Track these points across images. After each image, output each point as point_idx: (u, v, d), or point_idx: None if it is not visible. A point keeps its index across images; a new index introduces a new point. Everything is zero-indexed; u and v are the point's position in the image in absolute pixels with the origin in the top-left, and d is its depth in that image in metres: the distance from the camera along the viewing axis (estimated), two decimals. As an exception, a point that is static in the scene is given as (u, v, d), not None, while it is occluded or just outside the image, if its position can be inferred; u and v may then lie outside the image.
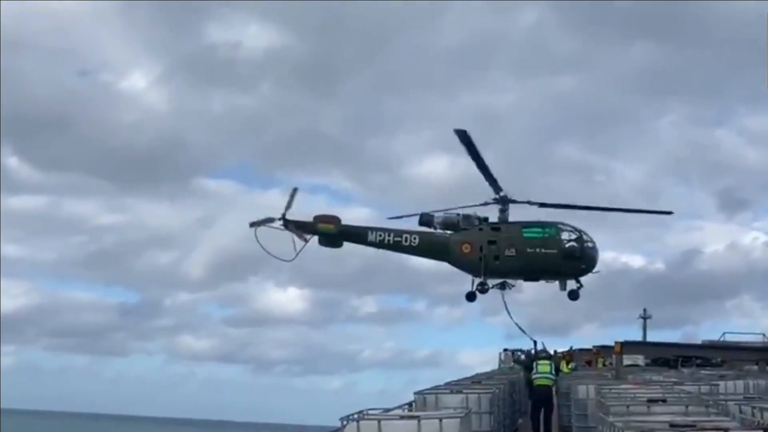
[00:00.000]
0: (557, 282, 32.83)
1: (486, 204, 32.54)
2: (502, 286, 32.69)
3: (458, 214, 32.49)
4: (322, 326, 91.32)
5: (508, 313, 33.33)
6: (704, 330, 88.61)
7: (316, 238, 32.69)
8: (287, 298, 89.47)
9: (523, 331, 34.21)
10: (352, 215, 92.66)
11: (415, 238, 32.46)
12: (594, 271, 32.42)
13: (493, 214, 32.74)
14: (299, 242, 32.22)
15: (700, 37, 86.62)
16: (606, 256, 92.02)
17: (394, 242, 32.51)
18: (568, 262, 31.57)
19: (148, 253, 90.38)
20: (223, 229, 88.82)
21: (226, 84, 79.02)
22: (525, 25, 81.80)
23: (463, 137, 29.51)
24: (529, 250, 31.49)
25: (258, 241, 31.77)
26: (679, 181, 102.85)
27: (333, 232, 31.95)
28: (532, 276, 32.42)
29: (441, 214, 32.48)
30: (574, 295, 32.38)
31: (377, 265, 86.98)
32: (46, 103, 78.18)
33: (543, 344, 34.96)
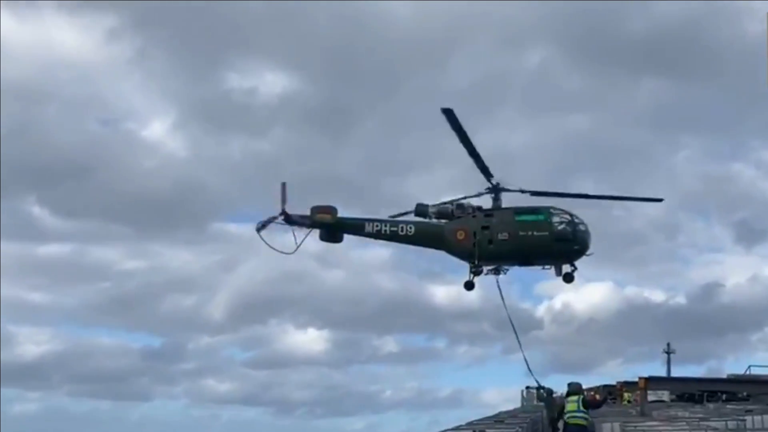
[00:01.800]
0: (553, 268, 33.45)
1: (480, 195, 33.52)
2: (497, 272, 33.37)
3: (452, 204, 33.47)
4: (342, 367, 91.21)
5: (503, 301, 33.84)
6: (729, 364, 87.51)
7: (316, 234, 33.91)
8: (307, 339, 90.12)
9: (529, 370, 33.93)
10: (372, 255, 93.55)
11: (411, 228, 33.40)
12: (588, 253, 32.90)
13: (486, 204, 33.68)
14: (299, 237, 33.40)
15: (708, 71, 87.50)
16: (628, 292, 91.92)
17: (390, 232, 33.47)
18: (560, 244, 32.10)
19: (169, 297, 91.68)
20: (243, 272, 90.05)
21: (242, 129, 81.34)
22: (531, 64, 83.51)
23: (450, 117, 30.40)
24: (521, 233, 32.16)
25: (262, 239, 32.96)
26: (697, 216, 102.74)
27: (330, 222, 32.98)
28: (525, 260, 32.88)
29: (436, 204, 33.52)
30: (568, 278, 32.84)
31: (396, 303, 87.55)
32: (69, 151, 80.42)
33: (540, 383, 34.10)
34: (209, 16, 78.31)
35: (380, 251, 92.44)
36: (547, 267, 33.58)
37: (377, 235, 33.60)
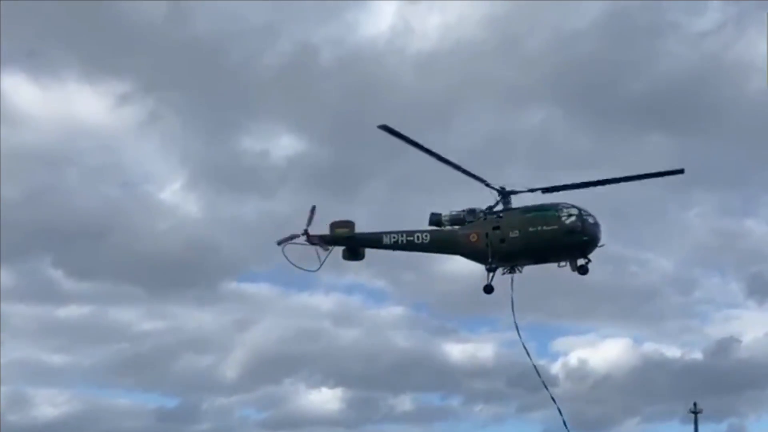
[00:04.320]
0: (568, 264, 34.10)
1: (492, 208, 34.52)
2: (512, 270, 34.23)
3: (464, 211, 34.75)
4: (358, 426, 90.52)
5: (512, 308, 34.43)
6: (752, 422, 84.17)
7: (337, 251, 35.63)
8: (322, 399, 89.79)
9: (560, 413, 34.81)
10: (386, 313, 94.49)
11: (426, 236, 34.86)
12: (600, 244, 33.54)
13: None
14: (322, 255, 35.22)
15: (713, 127, 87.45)
16: (646, 349, 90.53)
17: (407, 242, 34.98)
18: (570, 236, 32.69)
19: (184, 358, 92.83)
20: (257, 332, 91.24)
21: (254, 190, 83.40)
22: (534, 122, 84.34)
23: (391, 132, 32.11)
24: (531, 229, 33.04)
25: (285, 256, 34.89)
26: (712, 271, 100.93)
27: (348, 235, 34.61)
28: (538, 255, 33.52)
29: (448, 212, 34.90)
30: (583, 270, 33.43)
31: (410, 361, 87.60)
32: (84, 215, 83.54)
33: None
34: (222, 80, 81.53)
35: (396, 309, 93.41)
36: (562, 264, 34.26)
37: (394, 246, 35.09)
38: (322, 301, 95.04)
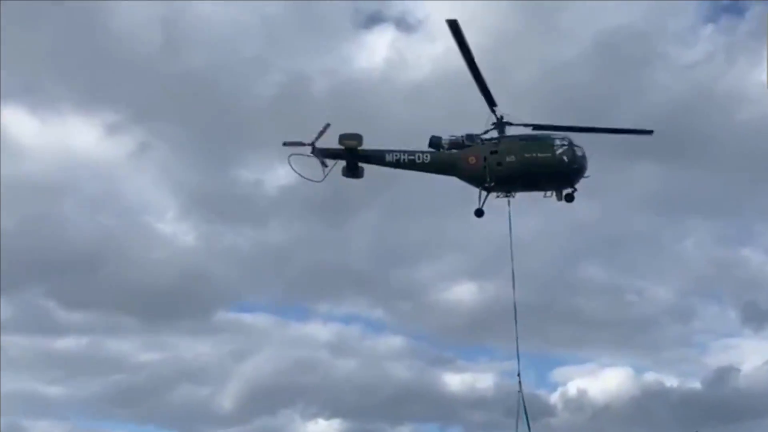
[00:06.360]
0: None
1: (487, 131, 37.15)
2: (507, 194, 36.72)
3: (463, 136, 37.16)
4: None
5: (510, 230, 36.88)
6: None
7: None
8: (319, 430, 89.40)
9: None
10: (384, 343, 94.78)
11: (426, 156, 37.08)
12: (585, 175, 36.45)
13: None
14: (326, 169, 37.02)
15: (704, 157, 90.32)
16: (646, 378, 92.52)
17: (408, 161, 37.08)
18: (561, 164, 35.62)
19: (180, 389, 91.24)
20: (253, 362, 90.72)
21: (248, 220, 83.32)
22: None
23: (454, 27, 32.62)
24: (526, 155, 35.77)
25: (290, 165, 36.57)
26: (711, 300, 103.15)
27: (356, 147, 36.42)
28: (531, 181, 36.01)
29: (448, 136, 37.24)
30: (569, 198, 36.34)
31: (408, 392, 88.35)
32: (77, 245, 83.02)
33: None
34: (216, 110, 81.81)
35: (395, 339, 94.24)
36: (548, 194, 36.96)
37: (396, 164, 37.13)
38: (320, 331, 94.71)
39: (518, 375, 35.76)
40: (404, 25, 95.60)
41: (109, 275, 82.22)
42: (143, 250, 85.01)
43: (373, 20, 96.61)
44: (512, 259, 36.43)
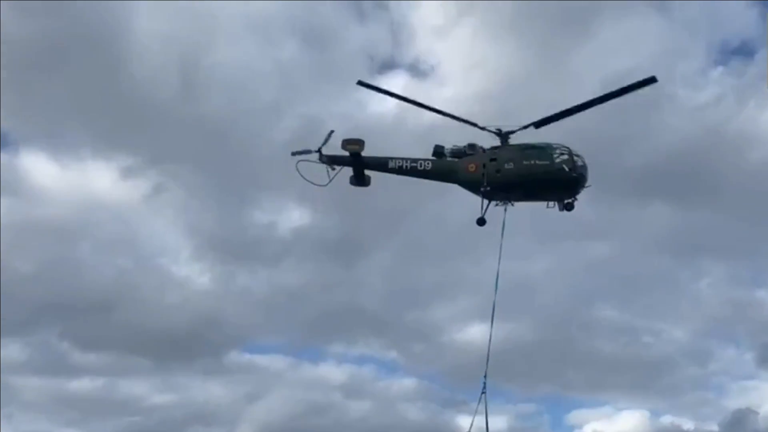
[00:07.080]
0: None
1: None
2: (505, 203, 37.46)
3: (465, 145, 38.19)
4: None
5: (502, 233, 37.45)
6: None
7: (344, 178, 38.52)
8: None
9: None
10: (398, 386, 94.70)
11: (428, 164, 38.02)
12: (586, 185, 37.17)
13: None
14: (332, 174, 38.19)
15: (716, 197, 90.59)
16: (664, 421, 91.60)
17: (410, 167, 38.01)
18: (560, 172, 36.29)
19: (193, 431, 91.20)
20: (266, 404, 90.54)
21: (261, 261, 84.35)
22: None
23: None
24: (525, 162, 36.55)
25: (298, 170, 37.69)
26: (728, 342, 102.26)
27: (357, 152, 37.51)
28: (530, 189, 36.61)
29: (451, 146, 38.32)
30: (569, 207, 37.06)
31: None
32: (92, 288, 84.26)
33: None
34: (231, 154, 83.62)
35: (410, 381, 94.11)
36: (551, 205, 37.64)
37: (399, 171, 38.05)
38: (333, 372, 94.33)
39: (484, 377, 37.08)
40: (416, 71, 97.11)
41: (123, 317, 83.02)
42: (157, 291, 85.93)
43: (386, 66, 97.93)
44: (499, 261, 37.01)
